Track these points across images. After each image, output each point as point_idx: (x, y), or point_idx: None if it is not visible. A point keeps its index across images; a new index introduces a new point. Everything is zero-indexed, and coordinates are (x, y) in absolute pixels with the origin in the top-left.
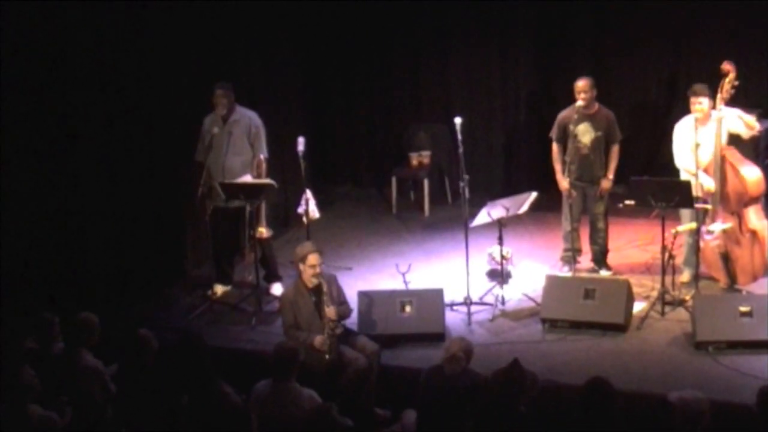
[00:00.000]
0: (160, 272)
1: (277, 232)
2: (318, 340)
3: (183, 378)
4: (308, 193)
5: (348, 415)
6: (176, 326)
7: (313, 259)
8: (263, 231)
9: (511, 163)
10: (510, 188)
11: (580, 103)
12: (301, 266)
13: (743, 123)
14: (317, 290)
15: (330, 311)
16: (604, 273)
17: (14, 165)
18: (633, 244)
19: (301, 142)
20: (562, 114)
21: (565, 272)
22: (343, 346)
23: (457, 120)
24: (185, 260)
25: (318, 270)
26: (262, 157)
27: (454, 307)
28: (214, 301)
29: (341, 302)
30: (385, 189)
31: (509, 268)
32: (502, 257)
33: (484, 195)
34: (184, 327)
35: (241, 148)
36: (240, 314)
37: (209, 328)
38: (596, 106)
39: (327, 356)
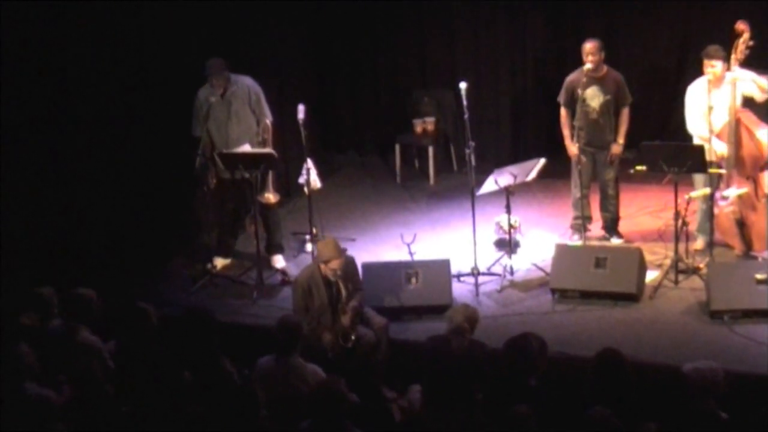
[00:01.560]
0: (159, 245)
1: (279, 201)
2: (327, 339)
3: (185, 354)
4: (309, 163)
5: (354, 391)
6: (177, 301)
7: (335, 264)
8: (270, 196)
9: (518, 128)
10: (518, 155)
11: (588, 66)
12: (322, 264)
13: (756, 86)
14: (334, 284)
15: (346, 319)
16: (615, 241)
17: (9, 139)
18: (645, 211)
19: (301, 110)
20: (570, 77)
21: (575, 241)
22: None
23: (462, 85)
24: (185, 233)
25: (339, 273)
26: (268, 121)
27: (462, 278)
28: (215, 274)
29: (356, 288)
30: (389, 157)
31: (517, 237)
32: (510, 226)
33: (491, 162)
34: (188, 302)
35: (244, 117)
36: (241, 288)
37: (210, 303)
38: (605, 68)
39: (329, 354)
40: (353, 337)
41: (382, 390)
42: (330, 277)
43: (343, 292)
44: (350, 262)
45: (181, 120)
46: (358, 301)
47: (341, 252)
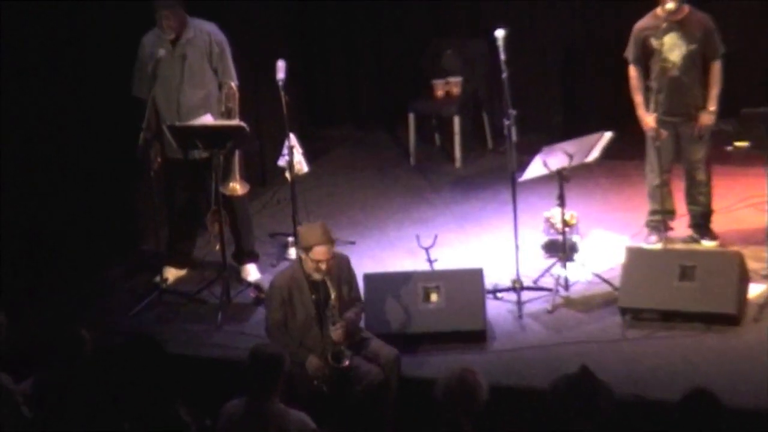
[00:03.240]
0: (91, 252)
1: (251, 193)
2: (313, 364)
3: (126, 398)
4: (292, 139)
5: None
6: (114, 326)
7: (320, 252)
8: (236, 186)
9: (573, 92)
10: (573, 127)
11: (669, 5)
12: (303, 254)
13: None
14: (322, 285)
15: (336, 331)
16: (706, 243)
17: None
18: (747, 203)
19: (281, 67)
20: (640, 24)
21: (652, 243)
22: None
23: (499, 32)
24: (125, 235)
25: (324, 266)
26: (233, 84)
27: (499, 294)
28: (165, 289)
29: (353, 299)
30: (400, 131)
31: (574, 238)
32: (565, 224)
33: (539, 137)
34: (129, 328)
35: (201, 77)
36: (201, 308)
37: (159, 328)
38: (686, 9)
39: (324, 387)
40: (347, 358)
41: None
42: (315, 275)
43: (333, 293)
44: (343, 260)
45: (119, 81)
46: (354, 314)
47: (330, 237)
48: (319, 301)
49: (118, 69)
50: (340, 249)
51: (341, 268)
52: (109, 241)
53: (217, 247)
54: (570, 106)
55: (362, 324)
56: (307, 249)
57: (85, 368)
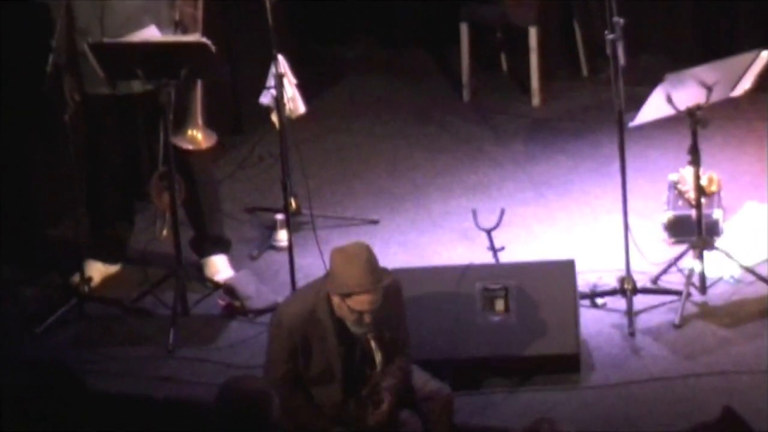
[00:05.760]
0: None
1: (218, 147)
2: None
3: None
4: (282, 64)
5: None
6: (10, 350)
7: (364, 302)
8: (196, 135)
9: None
10: (710, 45)
11: None
12: (337, 298)
13: None
14: (356, 337)
15: (378, 417)
16: None
17: None
18: None
19: None
20: None
21: None
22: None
23: None
24: (24, 215)
25: (369, 319)
26: None
27: (599, 301)
28: (88, 296)
29: (399, 347)
30: (447, 51)
31: (715, 214)
32: (701, 192)
33: (659, 59)
34: (32, 352)
35: None
36: (142, 323)
37: (77, 353)
38: None
39: None
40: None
41: None
42: (352, 326)
43: (378, 357)
44: (394, 292)
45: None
46: (399, 373)
47: (379, 277)
48: (351, 356)
49: None
50: (357, 231)
51: (389, 306)
52: (1, 225)
53: (165, 231)
54: (705, 13)
55: None
56: (348, 295)
57: None
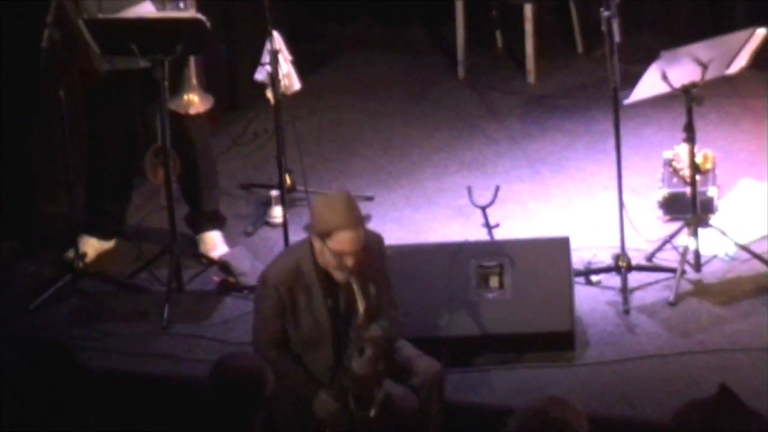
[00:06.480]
0: None
1: (214, 123)
2: (326, 406)
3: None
4: (277, 40)
5: None
6: (7, 327)
7: (346, 241)
8: (193, 98)
9: None
10: (707, 22)
11: None
12: (318, 242)
13: None
14: (344, 287)
15: (362, 367)
16: None
17: None
18: None
19: None
20: None
21: None
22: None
23: None
24: (19, 190)
25: (352, 262)
26: None
27: (594, 278)
28: (83, 271)
29: (386, 304)
30: (441, 28)
31: (710, 191)
32: (696, 169)
33: (655, 36)
34: (26, 329)
35: None
36: (137, 300)
37: (72, 330)
38: None
39: None
40: (378, 404)
41: None
42: (335, 274)
43: (361, 305)
44: (374, 243)
45: None
46: (384, 329)
47: (360, 216)
48: (338, 310)
49: None
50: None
51: (372, 259)
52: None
53: (163, 199)
54: None
55: None
56: (325, 234)
57: None
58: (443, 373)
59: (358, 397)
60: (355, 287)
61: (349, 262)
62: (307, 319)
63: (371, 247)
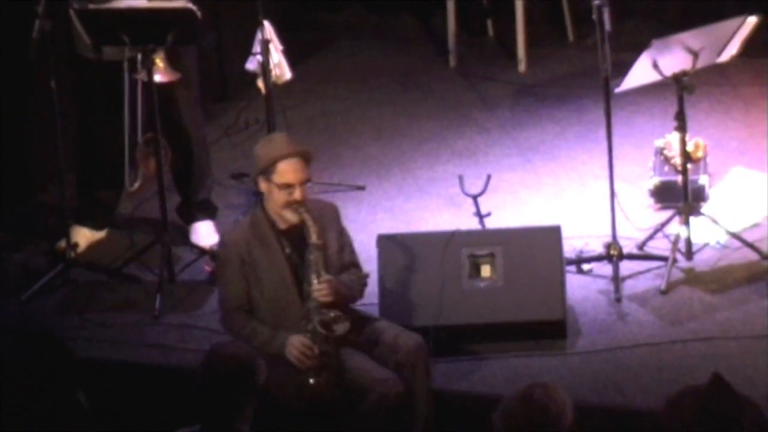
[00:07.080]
0: None
1: (205, 114)
2: (296, 343)
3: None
4: (268, 30)
5: None
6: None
7: (288, 171)
8: (158, 63)
9: None
10: (697, 10)
11: None
12: (265, 183)
13: None
14: (297, 235)
15: (322, 288)
16: None
17: None
18: None
19: None
20: None
21: None
22: (353, 352)
23: None
24: (11, 179)
25: (299, 194)
26: None
27: (585, 267)
28: (74, 261)
29: (346, 264)
30: (432, 16)
31: (701, 180)
32: (687, 157)
33: (646, 24)
34: (17, 319)
35: None
36: (129, 289)
37: (63, 320)
38: None
39: (311, 379)
40: (344, 321)
41: None
42: (286, 214)
43: (313, 234)
44: (328, 209)
45: None
46: (348, 278)
47: (300, 149)
48: (296, 257)
49: None
50: (343, 199)
51: (326, 218)
52: None
53: (137, 185)
54: None
55: (375, 311)
56: (268, 170)
57: None
58: (425, 345)
59: (324, 321)
60: (308, 222)
61: (297, 194)
62: (270, 276)
63: (325, 210)
